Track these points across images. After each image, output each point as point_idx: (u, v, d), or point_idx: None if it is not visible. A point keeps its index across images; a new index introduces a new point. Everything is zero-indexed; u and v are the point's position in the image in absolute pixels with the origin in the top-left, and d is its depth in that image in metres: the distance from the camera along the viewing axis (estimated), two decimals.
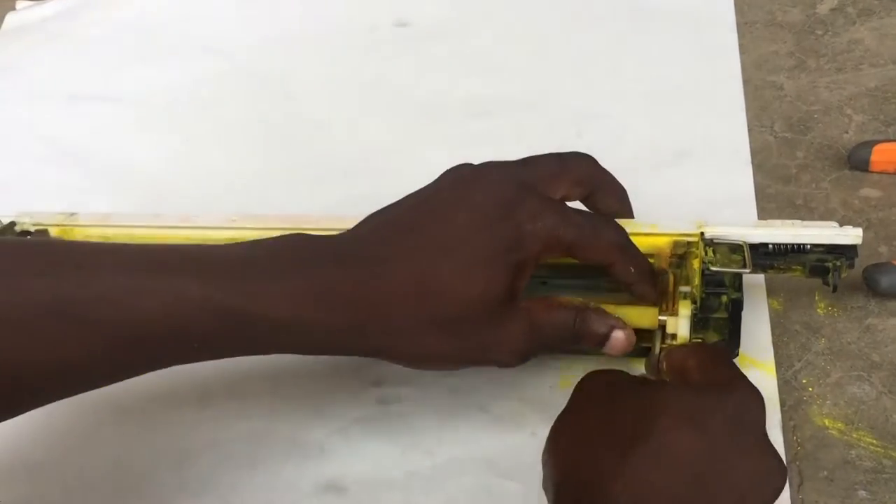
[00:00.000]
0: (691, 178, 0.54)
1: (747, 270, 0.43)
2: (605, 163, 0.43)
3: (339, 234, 0.40)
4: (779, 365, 0.46)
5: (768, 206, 0.53)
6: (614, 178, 0.44)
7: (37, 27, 0.74)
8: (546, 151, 0.42)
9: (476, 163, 0.41)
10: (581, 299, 0.41)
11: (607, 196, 0.43)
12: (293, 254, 0.38)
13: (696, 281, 0.42)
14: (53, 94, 0.67)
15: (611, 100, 0.60)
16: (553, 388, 0.45)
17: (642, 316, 0.42)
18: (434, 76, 0.64)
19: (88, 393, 0.38)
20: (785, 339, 0.47)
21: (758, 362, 0.45)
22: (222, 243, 0.40)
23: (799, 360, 0.46)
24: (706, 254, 0.43)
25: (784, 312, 0.48)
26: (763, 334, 0.46)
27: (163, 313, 0.36)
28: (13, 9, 0.76)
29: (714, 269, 0.42)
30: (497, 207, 0.38)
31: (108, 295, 0.36)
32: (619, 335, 0.40)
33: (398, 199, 0.41)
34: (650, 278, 0.42)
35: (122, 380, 0.38)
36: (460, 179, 0.40)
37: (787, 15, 0.65)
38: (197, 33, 0.70)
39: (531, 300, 0.40)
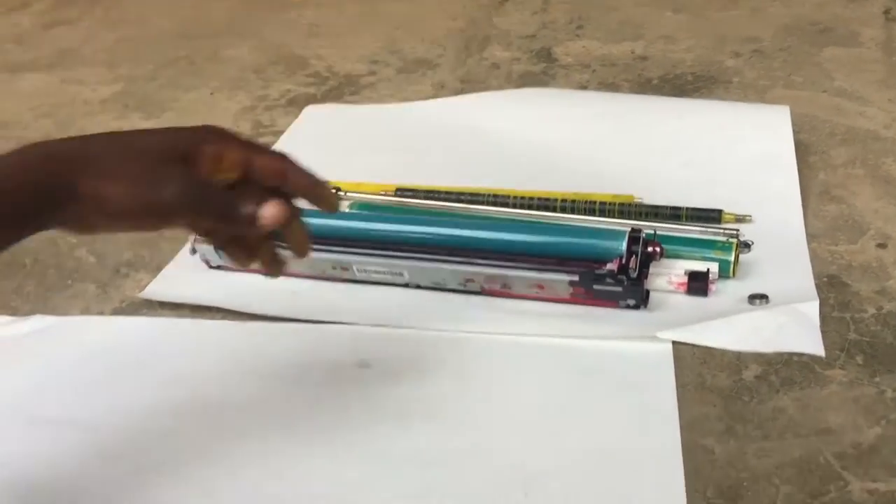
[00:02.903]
0: None
1: None
2: None
3: None
4: None
5: None
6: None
7: (11, 343, 0.76)
8: None
9: None
10: None
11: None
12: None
13: None
14: (14, 417, 0.68)
15: (556, 458, 0.62)
16: None
17: None
18: (387, 424, 0.66)
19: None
20: None
21: None
22: None
23: None
24: None
25: None
26: None
27: None
28: None
29: None
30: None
31: None
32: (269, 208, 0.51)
33: None
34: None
35: None
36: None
37: (715, 379, 0.67)
38: (162, 361, 0.73)
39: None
